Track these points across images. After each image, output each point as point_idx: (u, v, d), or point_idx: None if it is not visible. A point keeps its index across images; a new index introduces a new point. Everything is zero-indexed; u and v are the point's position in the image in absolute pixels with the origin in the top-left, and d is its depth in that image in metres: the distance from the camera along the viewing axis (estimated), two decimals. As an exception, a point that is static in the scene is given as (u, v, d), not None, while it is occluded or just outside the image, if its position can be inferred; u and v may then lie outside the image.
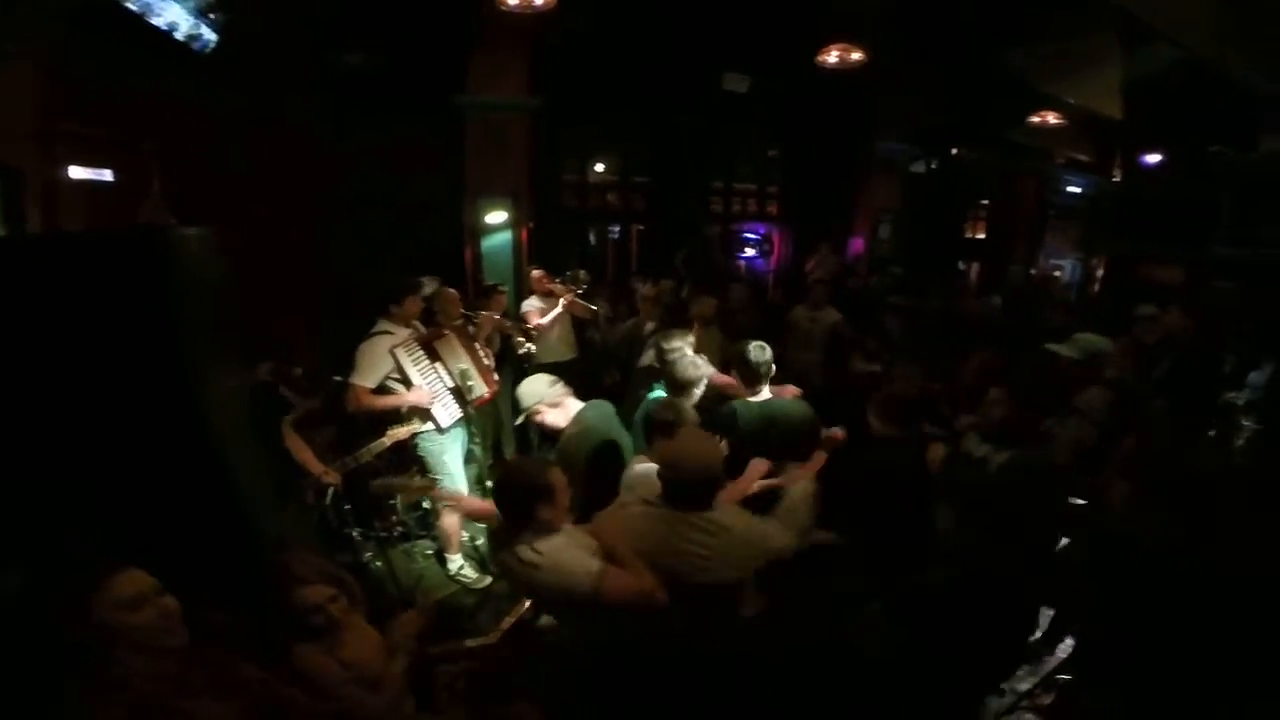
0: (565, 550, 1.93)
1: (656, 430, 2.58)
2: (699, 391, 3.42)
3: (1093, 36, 6.52)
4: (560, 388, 2.89)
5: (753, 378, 3.08)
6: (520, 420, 3.01)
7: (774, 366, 3.12)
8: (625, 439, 2.89)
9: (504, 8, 4.88)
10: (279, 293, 4.75)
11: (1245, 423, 4.06)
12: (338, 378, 3.71)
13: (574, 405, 2.87)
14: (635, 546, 1.97)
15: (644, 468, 2.48)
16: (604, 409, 2.94)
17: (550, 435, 2.93)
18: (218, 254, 2.34)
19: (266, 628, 1.76)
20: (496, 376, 4.11)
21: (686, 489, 2.05)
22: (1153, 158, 9.90)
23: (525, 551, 1.93)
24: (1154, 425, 3.21)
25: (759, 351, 3.08)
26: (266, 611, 1.78)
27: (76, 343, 1.88)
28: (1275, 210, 6.96)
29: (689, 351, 3.42)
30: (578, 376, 3.97)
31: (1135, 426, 2.90)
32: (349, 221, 5.88)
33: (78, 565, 1.50)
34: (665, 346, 3.42)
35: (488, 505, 2.87)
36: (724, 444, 2.37)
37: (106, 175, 4.04)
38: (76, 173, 3.85)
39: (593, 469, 2.62)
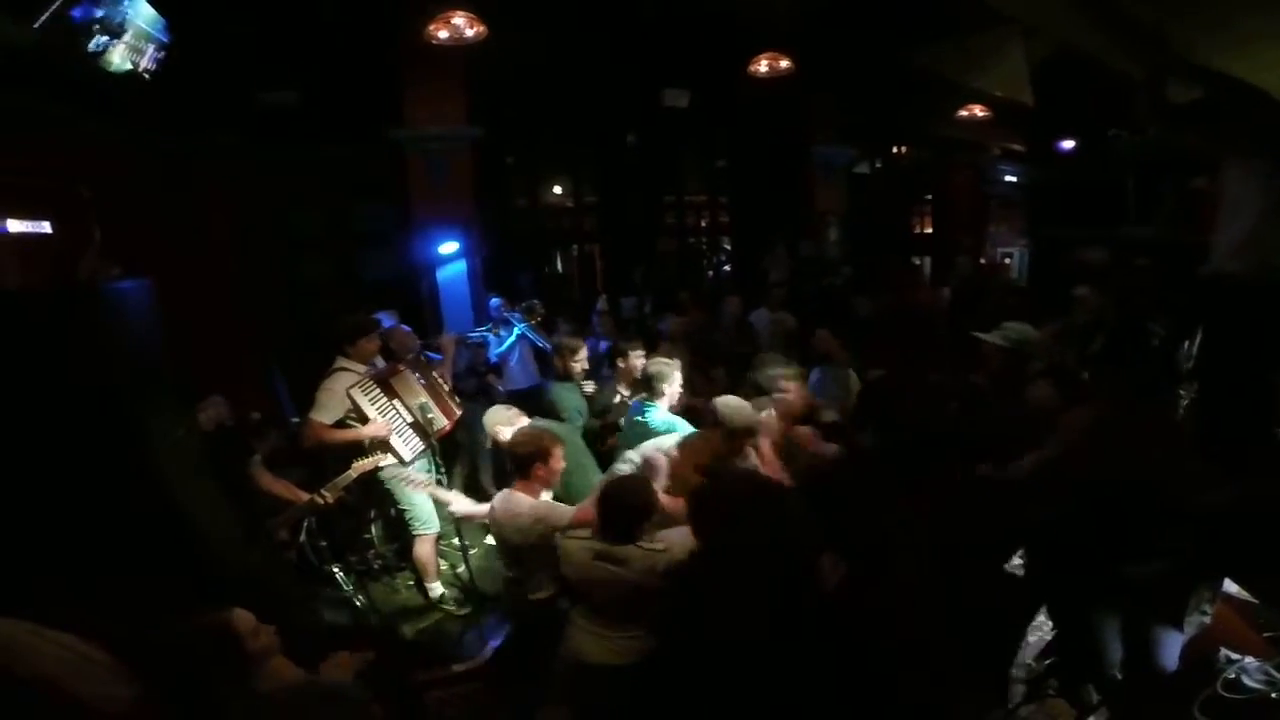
0: None
1: None
2: None
3: (994, 28, 6.57)
4: (514, 412, 3.35)
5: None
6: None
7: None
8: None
9: (435, 41, 4.91)
10: (225, 336, 4.69)
11: (1182, 392, 4.27)
12: (296, 419, 3.70)
13: (524, 422, 3.25)
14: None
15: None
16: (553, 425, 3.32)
17: None
18: (155, 305, 2.36)
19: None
20: (458, 408, 4.14)
21: None
22: (1067, 144, 9.98)
23: None
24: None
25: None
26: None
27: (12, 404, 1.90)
28: (1171, 190, 7.29)
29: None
30: (541, 404, 4.01)
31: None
32: (296, 260, 5.82)
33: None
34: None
35: (478, 508, 3.04)
36: None
37: (45, 227, 3.98)
38: (15, 226, 3.78)
39: None
